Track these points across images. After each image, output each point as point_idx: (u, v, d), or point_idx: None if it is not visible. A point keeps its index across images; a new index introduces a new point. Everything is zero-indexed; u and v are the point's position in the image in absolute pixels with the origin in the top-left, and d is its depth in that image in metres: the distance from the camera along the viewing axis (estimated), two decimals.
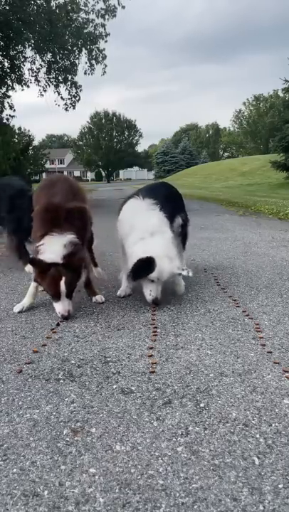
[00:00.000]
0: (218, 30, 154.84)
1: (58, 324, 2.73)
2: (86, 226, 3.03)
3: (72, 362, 2.19)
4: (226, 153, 78.50)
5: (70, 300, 2.78)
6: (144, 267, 2.77)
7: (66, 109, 16.73)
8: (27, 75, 16.07)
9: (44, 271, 2.69)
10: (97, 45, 15.59)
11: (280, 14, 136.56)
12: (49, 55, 15.58)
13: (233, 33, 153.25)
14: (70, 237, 2.74)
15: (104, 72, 16.24)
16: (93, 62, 15.83)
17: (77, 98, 16.74)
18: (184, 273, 2.88)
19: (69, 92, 16.57)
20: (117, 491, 1.28)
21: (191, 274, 2.90)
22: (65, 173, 78.13)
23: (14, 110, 16.13)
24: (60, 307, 2.75)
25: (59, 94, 16.46)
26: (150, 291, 2.88)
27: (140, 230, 2.94)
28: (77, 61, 15.95)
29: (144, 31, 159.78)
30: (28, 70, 16.04)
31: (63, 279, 2.67)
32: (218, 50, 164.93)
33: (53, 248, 2.70)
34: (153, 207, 3.08)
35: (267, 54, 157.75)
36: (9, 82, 15.74)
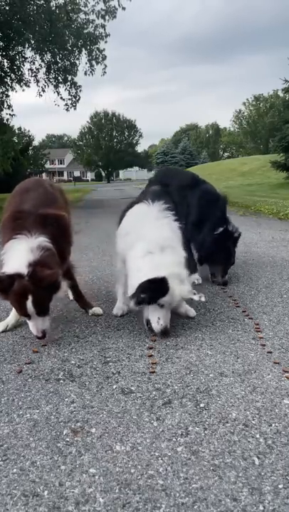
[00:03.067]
0: (216, 31, 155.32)
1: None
2: (64, 235, 2.51)
3: (72, 362, 2.19)
4: (225, 154, 78.49)
5: (44, 317, 2.29)
6: (155, 289, 2.33)
7: (67, 110, 16.76)
8: (27, 75, 16.11)
9: (6, 287, 2.14)
10: (97, 46, 15.60)
11: (276, 16, 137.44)
12: (49, 55, 15.60)
13: (230, 34, 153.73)
14: (40, 240, 2.22)
15: (105, 72, 16.26)
16: (93, 62, 15.85)
17: (77, 98, 16.76)
18: (196, 298, 2.51)
19: (69, 93, 16.60)
20: (117, 491, 1.28)
21: (203, 299, 2.51)
22: (65, 173, 78.26)
23: (12, 110, 16.17)
24: (33, 327, 2.27)
25: (58, 94, 16.50)
26: (158, 319, 2.41)
27: (149, 241, 2.48)
28: (77, 61, 15.97)
29: (141, 32, 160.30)
30: (28, 70, 16.07)
31: (30, 297, 2.14)
32: (216, 50, 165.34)
33: (16, 254, 2.18)
34: (165, 214, 2.64)
35: (264, 54, 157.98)
36: (9, 82, 15.77)
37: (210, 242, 3.47)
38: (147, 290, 2.33)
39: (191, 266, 3.71)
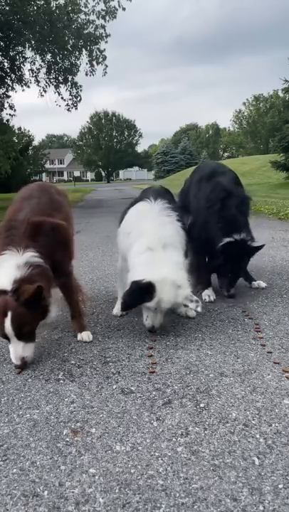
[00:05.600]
0: (212, 32, 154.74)
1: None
2: (61, 246, 2.34)
3: (72, 362, 2.19)
4: (225, 153, 78.45)
5: (27, 343, 2.06)
6: (140, 294, 2.28)
7: (68, 110, 16.78)
8: (27, 75, 16.13)
9: None
10: (97, 46, 15.61)
11: (272, 17, 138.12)
12: (49, 56, 15.62)
13: (226, 35, 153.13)
14: (28, 255, 2.08)
15: (106, 72, 16.27)
16: (94, 62, 15.86)
17: (78, 98, 16.78)
18: (192, 306, 2.32)
19: (70, 93, 16.62)
20: (117, 491, 1.28)
21: (199, 308, 2.32)
22: (65, 173, 78.14)
23: (14, 110, 16.20)
24: (12, 352, 2.04)
25: (59, 94, 16.52)
26: (146, 317, 2.41)
27: (148, 238, 2.39)
28: (78, 62, 15.99)
29: (138, 33, 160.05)
30: (28, 70, 16.09)
31: (9, 314, 1.95)
32: (214, 51, 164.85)
33: (1, 272, 2.06)
34: (168, 212, 2.55)
35: (262, 55, 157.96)
36: (9, 82, 15.78)
37: (215, 252, 3.03)
38: (133, 295, 2.29)
39: (203, 280, 3.27)
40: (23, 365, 2.06)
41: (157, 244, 2.36)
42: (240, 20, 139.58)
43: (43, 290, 2.00)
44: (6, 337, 2.02)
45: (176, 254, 2.42)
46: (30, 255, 2.08)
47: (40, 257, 2.12)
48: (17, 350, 2.02)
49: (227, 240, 2.96)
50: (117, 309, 2.88)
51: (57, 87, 16.39)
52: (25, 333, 2.03)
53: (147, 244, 2.38)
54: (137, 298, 2.32)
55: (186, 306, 2.40)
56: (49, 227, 2.25)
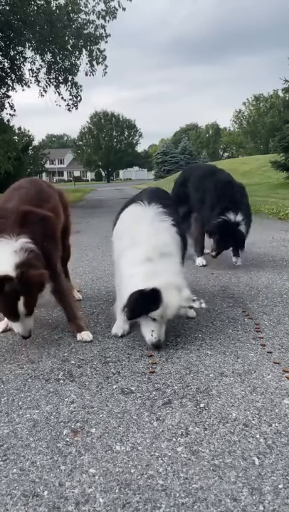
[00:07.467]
0: (210, 32, 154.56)
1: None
2: (48, 237, 2.39)
3: (72, 362, 2.19)
4: (225, 153, 78.40)
5: (31, 316, 2.25)
6: (146, 301, 2.16)
7: (69, 110, 16.77)
8: (27, 75, 16.13)
9: None
10: (97, 46, 15.61)
11: (271, 17, 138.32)
12: (49, 56, 15.62)
13: (225, 35, 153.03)
14: (22, 241, 2.17)
15: (106, 72, 16.26)
16: (94, 63, 15.86)
17: (78, 98, 16.78)
18: (196, 305, 2.29)
19: (70, 93, 16.62)
20: (117, 491, 1.28)
21: (204, 305, 2.30)
22: (65, 173, 78.06)
23: (14, 110, 16.22)
24: (20, 328, 2.22)
25: (59, 94, 16.52)
26: (152, 332, 2.24)
27: (143, 246, 2.30)
28: (78, 62, 15.99)
29: (136, 33, 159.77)
30: (29, 70, 16.09)
31: (22, 298, 2.11)
32: (212, 51, 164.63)
33: (0, 257, 2.12)
34: (163, 217, 2.44)
35: (262, 55, 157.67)
36: (9, 82, 15.79)
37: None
38: (138, 303, 2.16)
39: (199, 248, 4.45)
40: (30, 335, 2.29)
41: (154, 254, 2.27)
42: (238, 21, 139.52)
43: (46, 274, 2.21)
44: (15, 318, 2.18)
45: (174, 262, 2.35)
46: (24, 241, 2.19)
47: (32, 242, 2.22)
48: (26, 324, 2.23)
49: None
50: (116, 328, 2.54)
51: (57, 87, 16.39)
52: (32, 310, 2.23)
53: (144, 255, 2.27)
54: (143, 307, 2.19)
55: (191, 307, 2.38)
56: (38, 217, 2.35)
